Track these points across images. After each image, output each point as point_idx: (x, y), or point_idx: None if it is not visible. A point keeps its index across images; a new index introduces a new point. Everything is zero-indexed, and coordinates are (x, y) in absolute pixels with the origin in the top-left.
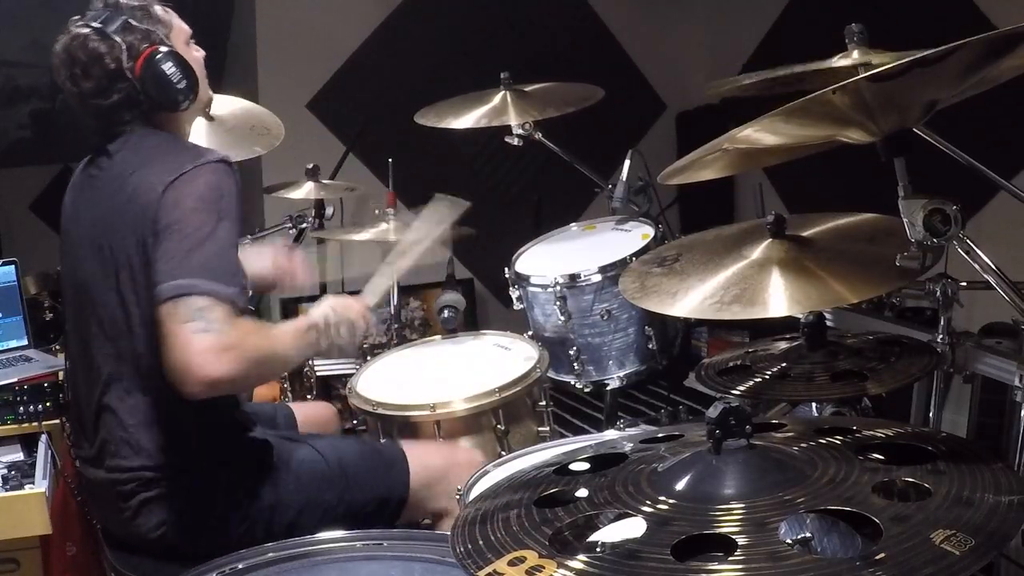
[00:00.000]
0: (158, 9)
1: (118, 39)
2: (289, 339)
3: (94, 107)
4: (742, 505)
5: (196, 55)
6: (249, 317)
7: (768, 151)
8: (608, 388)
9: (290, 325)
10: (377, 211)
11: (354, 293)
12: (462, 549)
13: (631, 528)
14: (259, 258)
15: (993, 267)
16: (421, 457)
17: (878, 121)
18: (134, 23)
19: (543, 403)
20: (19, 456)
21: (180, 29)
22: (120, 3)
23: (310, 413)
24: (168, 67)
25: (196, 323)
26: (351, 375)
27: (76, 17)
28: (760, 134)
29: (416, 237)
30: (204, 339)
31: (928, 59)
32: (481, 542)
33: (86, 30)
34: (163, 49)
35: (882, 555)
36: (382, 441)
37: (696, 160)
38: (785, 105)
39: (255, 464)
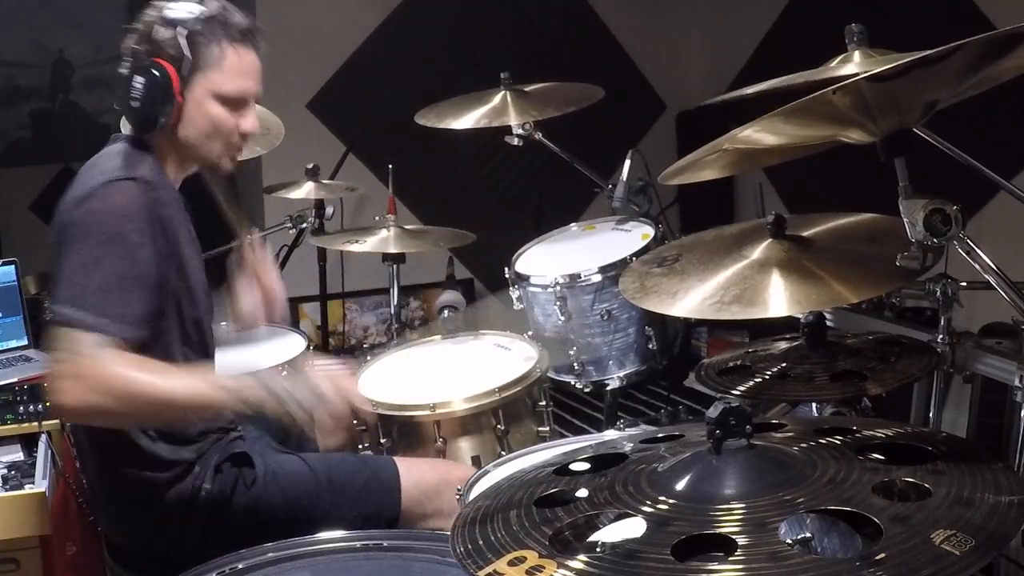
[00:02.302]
0: (218, 49)
1: (157, 32)
2: (185, 388)
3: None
4: (742, 505)
5: (220, 113)
6: (135, 355)
7: (768, 151)
8: (608, 388)
9: (203, 378)
10: (377, 218)
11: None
12: (462, 549)
13: (631, 528)
14: (248, 291)
15: (993, 267)
16: (415, 473)
17: (878, 121)
18: (180, 36)
19: (543, 403)
20: (19, 456)
21: (225, 80)
22: (204, 12)
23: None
24: (137, 81)
25: (59, 352)
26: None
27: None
28: (760, 134)
29: None
30: (59, 367)
31: (928, 59)
32: (481, 542)
33: (157, 13)
34: (159, 68)
35: (882, 555)
36: (382, 442)
37: (696, 160)
38: (785, 105)
39: (235, 474)
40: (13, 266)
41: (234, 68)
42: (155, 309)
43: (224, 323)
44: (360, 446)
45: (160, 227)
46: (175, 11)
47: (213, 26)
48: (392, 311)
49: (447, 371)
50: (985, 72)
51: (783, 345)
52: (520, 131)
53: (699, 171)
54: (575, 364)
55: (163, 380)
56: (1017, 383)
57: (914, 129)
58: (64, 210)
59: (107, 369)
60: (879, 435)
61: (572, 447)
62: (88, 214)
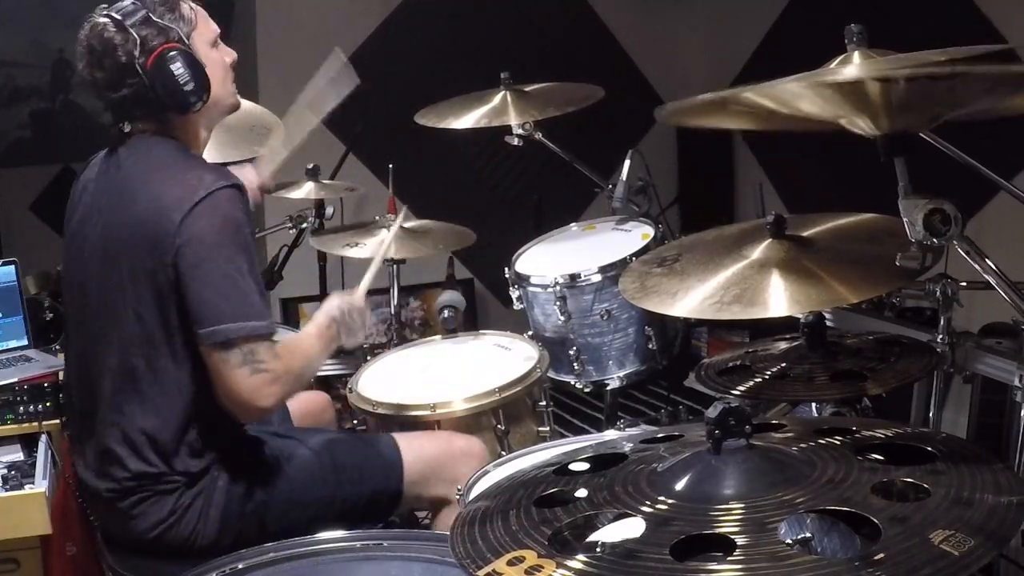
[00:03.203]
0: (185, 7)
1: (134, 33)
2: (315, 343)
3: (107, 99)
4: (742, 505)
5: (219, 56)
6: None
7: (775, 117)
8: (608, 388)
9: (312, 327)
10: (378, 217)
11: None
12: (461, 549)
13: (630, 528)
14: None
15: (993, 267)
16: (416, 448)
17: (892, 118)
18: (154, 18)
19: (543, 403)
20: (19, 456)
21: (205, 28)
22: None
23: (304, 402)
24: (176, 67)
25: (245, 367)
26: (351, 375)
27: (103, 5)
28: (768, 100)
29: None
30: (255, 379)
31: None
32: (480, 542)
33: (105, 19)
34: (175, 49)
35: (881, 555)
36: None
37: (699, 104)
38: (805, 73)
39: (248, 463)
40: (13, 266)
41: (202, 16)
42: None
43: None
44: None
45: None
46: (137, 7)
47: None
48: (392, 311)
49: (447, 371)
50: (999, 100)
51: (783, 345)
52: (520, 131)
53: (700, 117)
54: (575, 364)
55: (306, 351)
56: (1017, 383)
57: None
58: (163, 229)
59: (289, 364)
60: (879, 435)
61: (572, 447)
62: (209, 230)
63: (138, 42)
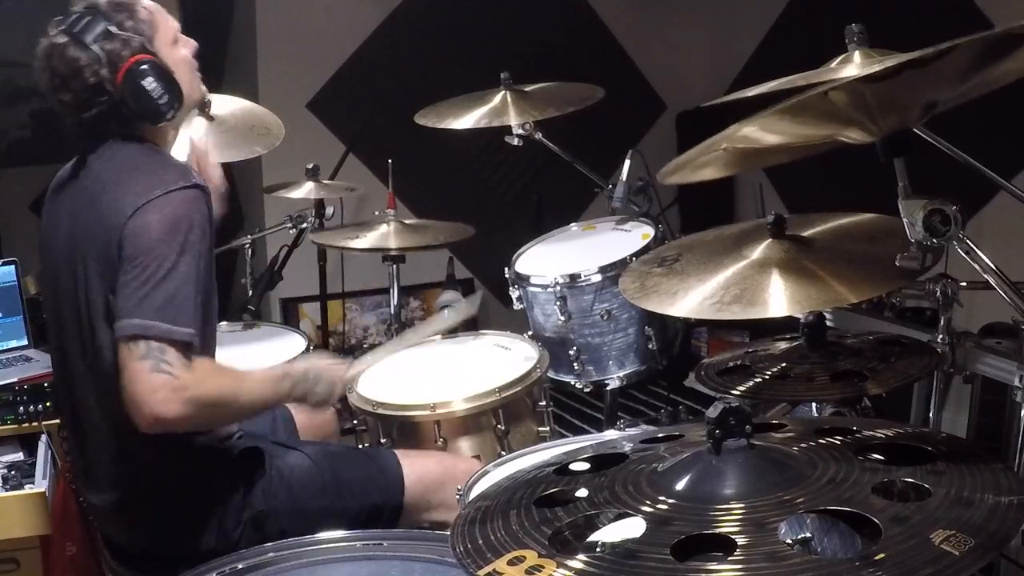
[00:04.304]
0: (142, 9)
1: (97, 49)
2: (256, 385)
3: (76, 118)
4: (742, 505)
5: (183, 54)
6: (207, 359)
7: (768, 151)
8: (608, 388)
9: (262, 372)
10: (377, 212)
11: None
12: (462, 548)
13: (631, 528)
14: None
15: (993, 267)
16: (419, 467)
17: (878, 121)
18: (114, 30)
19: (543, 403)
20: (19, 456)
21: (166, 28)
22: (100, 6)
23: (308, 414)
24: (148, 82)
25: (147, 361)
26: None
27: (58, 19)
28: (758, 133)
29: (427, 331)
30: (156, 379)
31: (922, 60)
32: (481, 541)
33: (65, 39)
34: (144, 61)
35: (882, 555)
36: (382, 442)
37: (694, 159)
38: (781, 103)
39: (246, 471)
40: (13, 266)
41: (160, 13)
42: (204, 313)
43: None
44: (360, 446)
45: (211, 230)
46: (94, 19)
47: (125, 3)
48: (392, 311)
49: (447, 371)
50: (985, 73)
51: (783, 345)
52: (520, 131)
53: (698, 170)
54: (575, 364)
55: (236, 384)
56: (1017, 383)
57: (914, 129)
58: (112, 223)
59: (205, 382)
60: (879, 435)
61: (572, 447)
62: (153, 226)
63: (104, 59)
